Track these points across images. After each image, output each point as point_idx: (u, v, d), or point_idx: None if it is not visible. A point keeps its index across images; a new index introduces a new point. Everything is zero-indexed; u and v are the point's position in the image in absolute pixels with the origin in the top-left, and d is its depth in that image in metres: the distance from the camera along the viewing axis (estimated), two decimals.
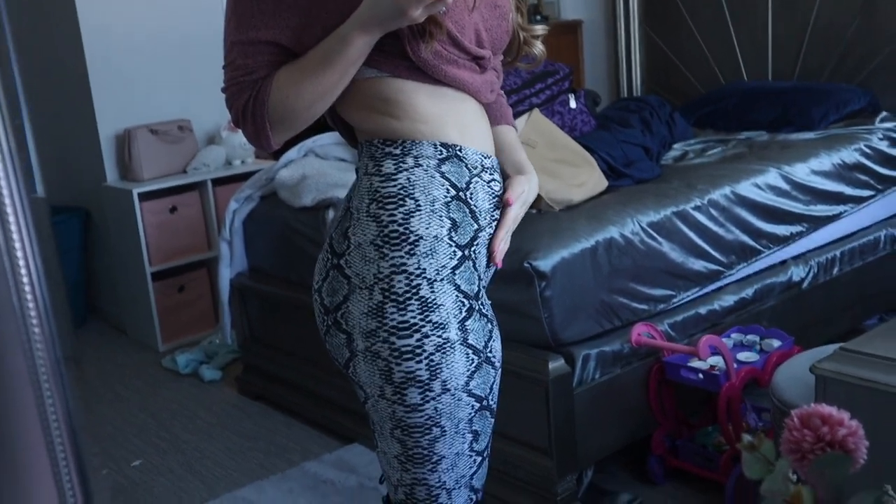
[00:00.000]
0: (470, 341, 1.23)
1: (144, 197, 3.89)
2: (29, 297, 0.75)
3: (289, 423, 3.14)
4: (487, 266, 1.33)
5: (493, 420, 1.32)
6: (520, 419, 2.30)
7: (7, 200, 0.72)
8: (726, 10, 4.01)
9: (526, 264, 2.25)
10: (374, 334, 1.21)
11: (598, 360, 2.33)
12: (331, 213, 2.86)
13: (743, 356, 2.42)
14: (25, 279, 0.72)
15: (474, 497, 1.32)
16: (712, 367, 2.34)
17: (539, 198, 2.57)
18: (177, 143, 4.03)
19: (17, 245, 0.72)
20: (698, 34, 4.14)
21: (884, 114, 3.37)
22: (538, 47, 1.39)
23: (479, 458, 1.31)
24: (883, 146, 3.19)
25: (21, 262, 0.73)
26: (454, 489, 1.29)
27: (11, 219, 0.73)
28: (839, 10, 3.62)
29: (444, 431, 1.24)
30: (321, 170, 3.04)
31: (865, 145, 3.15)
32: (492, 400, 1.29)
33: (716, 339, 2.29)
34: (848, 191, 3.05)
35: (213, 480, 2.81)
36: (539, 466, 2.30)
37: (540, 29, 1.39)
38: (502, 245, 1.32)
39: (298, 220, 3.00)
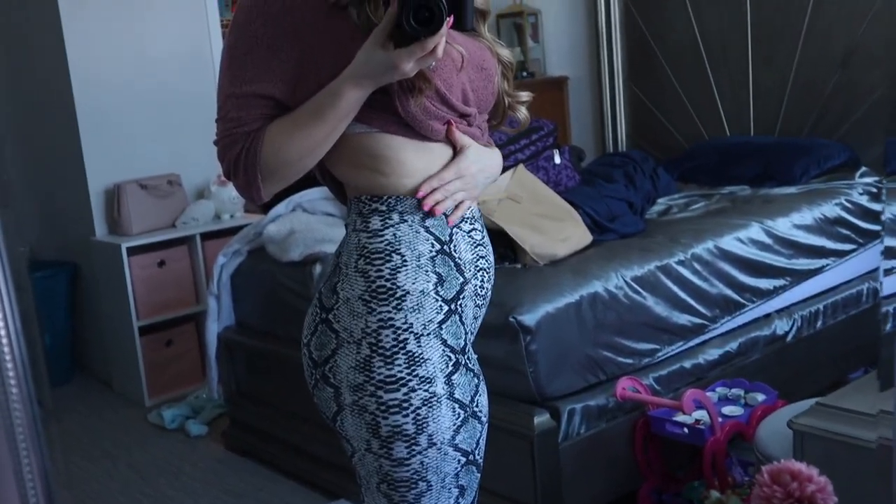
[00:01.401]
0: (456, 395, 1.25)
1: (133, 251, 3.90)
2: (7, 355, 0.76)
3: (275, 478, 3.11)
4: (474, 319, 1.35)
5: (479, 475, 1.32)
6: (505, 474, 2.29)
7: None
8: (708, 67, 4.09)
9: (511, 319, 2.26)
10: (361, 388, 1.23)
11: (584, 414, 2.33)
12: (318, 268, 2.88)
13: (728, 410, 2.43)
14: (3, 338, 0.73)
15: None
16: (697, 421, 2.34)
17: (524, 252, 2.60)
18: (166, 198, 4.05)
19: None
20: (681, 91, 4.21)
21: (863, 169, 3.43)
22: (522, 112, 1.43)
23: None
24: (863, 201, 3.24)
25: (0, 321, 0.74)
26: None
27: None
28: (818, 67, 3.70)
29: (431, 486, 1.26)
30: (309, 224, 3.07)
31: (846, 200, 3.20)
32: (478, 455, 1.31)
33: (700, 393, 2.30)
34: (830, 245, 3.09)
35: None
36: None
37: (525, 95, 1.44)
38: (437, 195, 1.28)
39: (286, 274, 3.01)
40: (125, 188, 3.92)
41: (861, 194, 3.26)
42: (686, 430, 2.32)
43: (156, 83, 4.05)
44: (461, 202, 1.32)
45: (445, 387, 1.24)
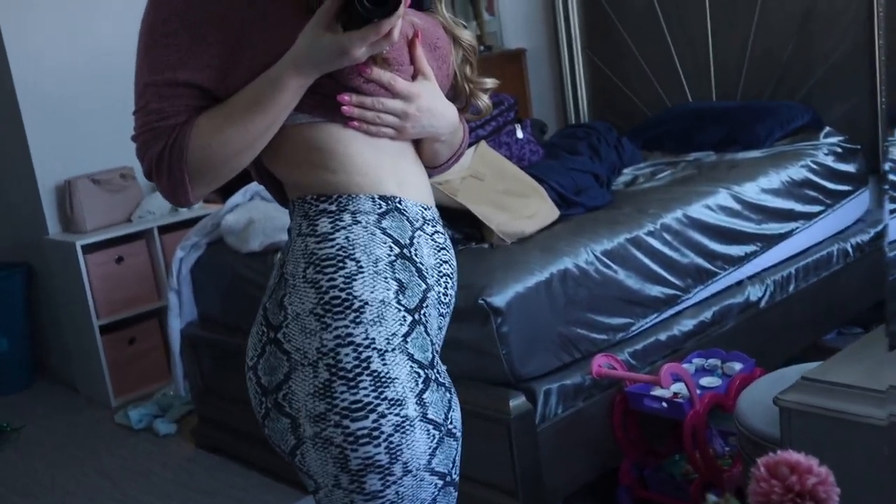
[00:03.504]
0: (430, 416, 1.12)
1: (89, 249, 3.78)
2: None
3: (246, 474, 3.04)
4: (438, 329, 1.23)
5: (456, 494, 1.21)
6: (483, 460, 2.24)
7: None
8: (667, 33, 4.03)
9: (481, 301, 2.20)
10: (323, 418, 1.09)
11: (560, 394, 2.28)
12: (279, 258, 2.79)
13: (705, 381, 2.39)
14: None
15: None
16: (675, 394, 2.30)
17: (490, 231, 2.54)
18: (120, 192, 3.94)
19: None
20: (641, 58, 4.16)
21: (827, 129, 3.40)
22: (483, 100, 1.31)
23: None
24: (829, 161, 3.21)
25: None
26: None
27: None
28: (777, 30, 3.66)
29: None
30: (268, 213, 2.97)
31: (812, 161, 3.17)
32: (455, 474, 1.19)
33: (677, 366, 2.26)
34: (798, 207, 3.06)
35: None
36: None
37: (489, 83, 1.32)
38: (367, 102, 1.12)
39: (247, 265, 2.92)
40: (77, 184, 3.80)
41: (826, 154, 3.23)
42: (665, 404, 2.28)
43: (102, 75, 3.88)
44: (386, 128, 1.15)
45: (417, 408, 1.10)
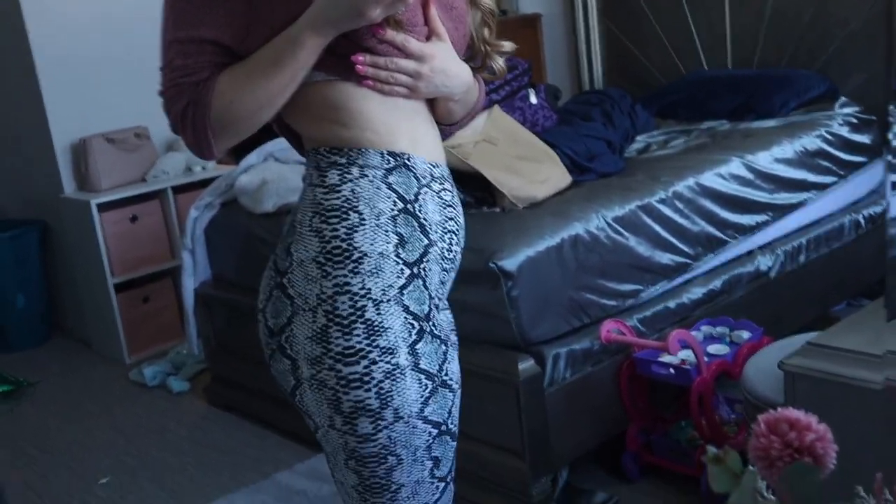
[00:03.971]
0: (422, 366, 1.16)
1: (103, 207, 3.82)
2: None
3: (259, 433, 3.09)
4: (441, 283, 1.25)
5: (454, 444, 1.25)
6: (491, 421, 2.27)
7: None
8: (684, 0, 4.00)
9: (491, 264, 2.22)
10: (319, 361, 1.14)
11: (569, 358, 2.30)
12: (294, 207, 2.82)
13: (713, 349, 2.41)
14: None
15: None
16: (683, 361, 2.32)
17: (502, 196, 2.55)
18: (135, 151, 3.96)
19: None
20: (657, 25, 4.13)
21: (843, 99, 3.38)
22: (499, 62, 1.35)
23: (443, 485, 1.25)
24: (843, 132, 3.20)
25: None
26: None
27: None
28: (793, 1, 3.63)
29: (401, 460, 1.18)
30: (282, 174, 3.00)
31: (826, 131, 3.16)
32: (451, 424, 1.23)
33: (685, 333, 2.28)
34: (811, 178, 3.05)
35: (183, 495, 2.76)
36: (513, 469, 2.28)
37: (507, 46, 1.35)
38: (380, 62, 1.15)
39: (260, 226, 2.95)
40: (92, 142, 3.82)
41: (841, 125, 3.22)
42: (672, 370, 2.31)
43: (119, 29, 3.88)
44: (399, 87, 1.18)
45: (409, 357, 1.15)
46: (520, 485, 2.28)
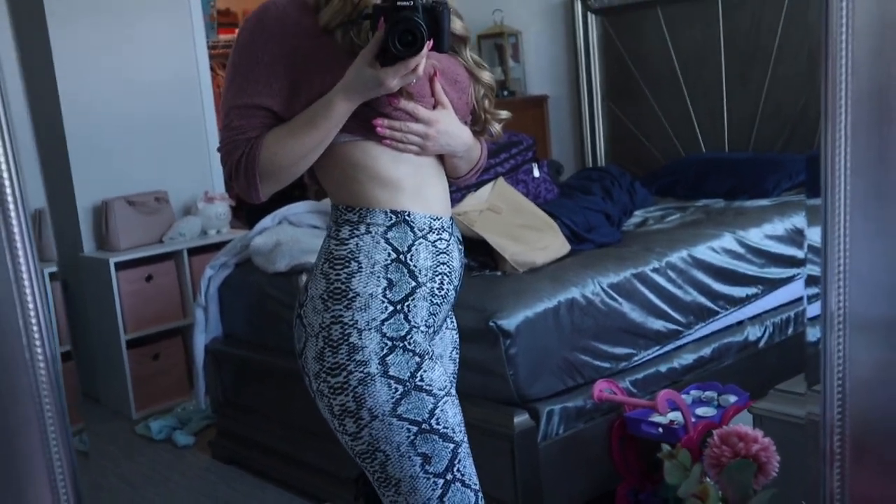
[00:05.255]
0: (391, 373, 1.39)
1: (121, 266, 3.96)
2: (38, 348, 0.85)
3: (262, 486, 3.17)
4: (431, 315, 1.46)
5: (449, 445, 1.42)
6: (486, 474, 2.33)
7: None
8: (684, 87, 4.20)
9: (491, 323, 2.34)
10: (318, 376, 1.41)
11: (562, 415, 2.41)
12: (304, 278, 2.94)
13: (701, 411, 2.51)
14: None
15: None
16: (672, 421, 2.42)
17: (504, 260, 2.69)
18: (154, 214, 4.12)
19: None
20: (658, 109, 4.33)
21: None
22: (496, 127, 1.60)
23: (442, 481, 1.40)
24: None
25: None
26: None
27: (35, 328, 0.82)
28: (787, 88, 3.82)
29: (388, 456, 1.39)
30: (294, 236, 3.14)
31: None
32: (435, 423, 1.41)
33: (674, 393, 2.38)
34: (800, 254, 3.18)
35: None
36: None
37: (503, 114, 1.61)
38: (396, 124, 1.41)
39: (273, 285, 3.08)
40: (113, 204, 3.99)
41: None
42: (661, 429, 2.40)
43: (143, 103, 4.13)
44: (411, 145, 1.43)
45: (379, 366, 1.38)
46: None
